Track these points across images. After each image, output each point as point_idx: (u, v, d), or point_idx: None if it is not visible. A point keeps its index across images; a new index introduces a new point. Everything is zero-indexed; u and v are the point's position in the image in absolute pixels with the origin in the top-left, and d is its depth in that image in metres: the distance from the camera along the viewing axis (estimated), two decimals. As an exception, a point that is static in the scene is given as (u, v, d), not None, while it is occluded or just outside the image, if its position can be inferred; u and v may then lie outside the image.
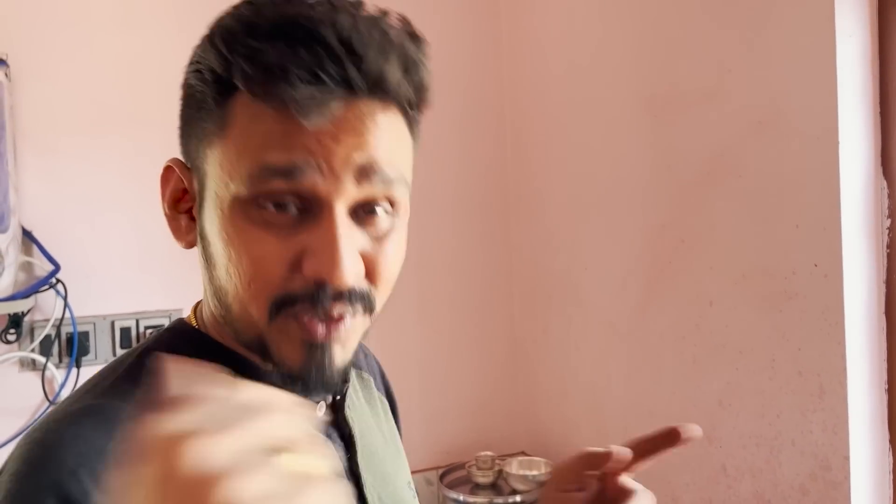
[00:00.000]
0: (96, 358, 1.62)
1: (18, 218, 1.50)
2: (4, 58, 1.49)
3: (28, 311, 1.54)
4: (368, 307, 0.59)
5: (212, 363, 0.59)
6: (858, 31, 1.17)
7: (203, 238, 0.60)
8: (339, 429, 0.70)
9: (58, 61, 1.61)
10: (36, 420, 1.56)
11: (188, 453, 0.36)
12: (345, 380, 0.61)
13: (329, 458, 0.65)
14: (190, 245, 0.64)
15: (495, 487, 1.85)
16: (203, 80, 0.57)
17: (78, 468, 0.51)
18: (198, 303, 0.69)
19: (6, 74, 1.49)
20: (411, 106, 0.61)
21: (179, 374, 0.44)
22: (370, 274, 0.58)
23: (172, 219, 0.64)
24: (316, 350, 0.57)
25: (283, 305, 0.56)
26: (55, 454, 0.53)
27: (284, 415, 0.42)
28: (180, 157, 0.64)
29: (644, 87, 1.58)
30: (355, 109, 0.56)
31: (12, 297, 1.46)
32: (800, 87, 1.22)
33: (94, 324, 1.62)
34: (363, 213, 0.58)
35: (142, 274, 1.66)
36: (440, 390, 2.03)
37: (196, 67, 0.58)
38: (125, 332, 1.64)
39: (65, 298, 1.55)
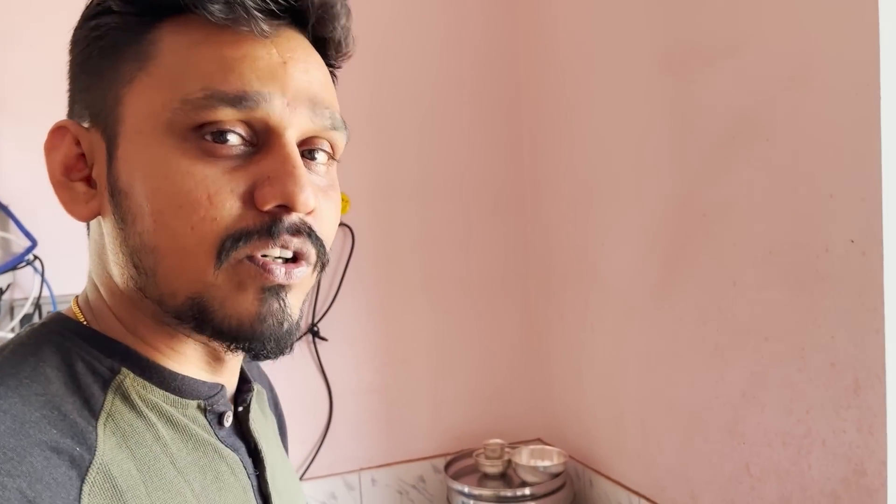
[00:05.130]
0: (80, 338, 1.55)
1: (-7, 191, 1.43)
2: (-24, 21, 1.41)
3: (6, 288, 1.47)
4: (320, 257, 0.53)
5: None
6: (907, -31, 1.00)
7: (118, 195, 0.52)
8: (246, 442, 0.60)
9: (37, 27, 1.52)
10: None
11: None
12: (291, 344, 0.54)
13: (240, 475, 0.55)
14: (92, 215, 0.55)
15: (504, 478, 1.74)
16: (117, 14, 0.53)
17: None
18: (76, 298, 0.59)
19: (-24, 39, 1.40)
20: (339, 51, 0.59)
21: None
22: (317, 221, 0.53)
23: (65, 188, 0.57)
24: (273, 296, 0.50)
25: (234, 244, 0.49)
26: None
27: None
28: (72, 118, 0.58)
29: (661, 42, 1.42)
30: (301, 42, 0.55)
31: (-15, 275, 1.39)
32: (836, 38, 1.05)
33: (77, 302, 1.54)
34: (306, 155, 0.55)
35: (127, 250, 1.57)
36: (451, 374, 1.93)
37: (103, 9, 0.53)
38: (110, 311, 1.56)
39: (42, 275, 1.48)
